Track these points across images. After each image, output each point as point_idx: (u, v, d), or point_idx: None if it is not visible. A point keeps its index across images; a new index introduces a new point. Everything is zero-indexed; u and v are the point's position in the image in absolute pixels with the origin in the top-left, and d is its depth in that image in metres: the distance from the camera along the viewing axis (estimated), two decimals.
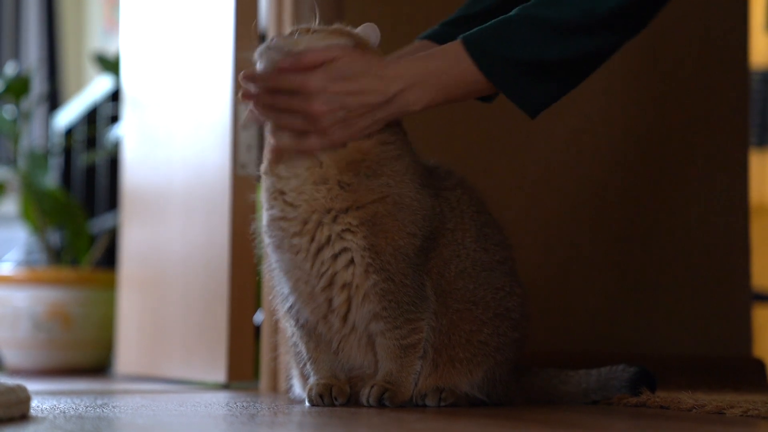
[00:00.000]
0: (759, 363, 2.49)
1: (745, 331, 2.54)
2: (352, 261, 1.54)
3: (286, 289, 1.60)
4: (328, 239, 1.54)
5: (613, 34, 1.56)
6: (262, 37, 2.45)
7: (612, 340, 2.41)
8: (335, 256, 1.54)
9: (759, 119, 4.31)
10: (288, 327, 1.65)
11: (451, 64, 1.55)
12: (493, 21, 1.57)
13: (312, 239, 1.54)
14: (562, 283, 2.38)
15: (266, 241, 1.59)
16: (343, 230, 1.53)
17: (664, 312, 2.46)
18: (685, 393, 1.73)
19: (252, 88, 1.55)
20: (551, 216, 2.39)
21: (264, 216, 1.59)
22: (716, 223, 2.53)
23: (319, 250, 1.54)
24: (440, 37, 1.75)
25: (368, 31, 1.60)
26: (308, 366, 1.63)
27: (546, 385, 1.74)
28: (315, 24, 1.60)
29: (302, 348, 1.63)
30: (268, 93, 1.54)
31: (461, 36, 1.56)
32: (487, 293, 1.62)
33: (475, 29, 1.56)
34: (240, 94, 1.58)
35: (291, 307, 1.61)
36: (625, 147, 2.46)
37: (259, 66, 1.57)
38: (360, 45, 1.57)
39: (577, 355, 2.19)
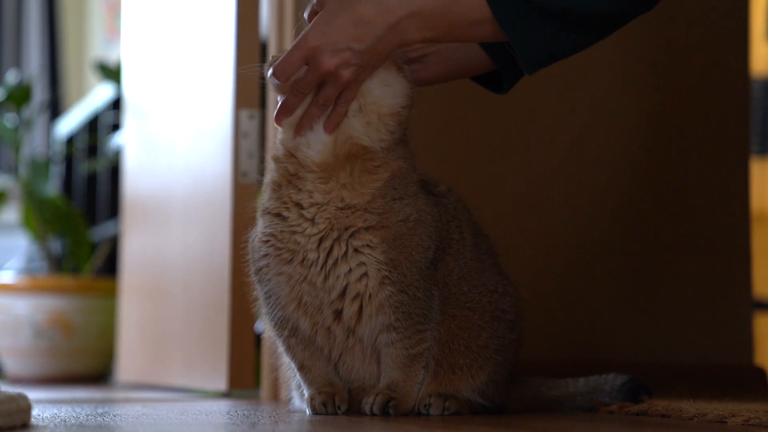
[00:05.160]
0: (760, 371, 2.48)
1: (746, 340, 2.53)
2: (366, 273, 1.53)
3: (281, 300, 1.57)
4: (345, 254, 1.53)
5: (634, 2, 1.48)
6: (263, 45, 2.45)
7: (613, 348, 2.41)
8: (350, 270, 1.53)
9: (760, 127, 4.31)
10: (277, 337, 1.63)
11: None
12: None
13: (329, 254, 1.53)
14: (563, 292, 2.38)
15: (267, 251, 1.56)
16: (362, 245, 1.53)
17: (665, 320, 2.46)
18: (687, 401, 1.73)
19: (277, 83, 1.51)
20: (551, 224, 2.39)
21: (266, 225, 1.57)
22: (717, 231, 2.53)
23: (335, 264, 1.53)
24: None
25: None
26: (300, 375, 1.62)
27: (535, 392, 1.74)
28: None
29: (294, 357, 1.61)
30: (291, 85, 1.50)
31: None
32: (483, 297, 1.63)
33: None
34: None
35: (285, 318, 1.59)
36: (625, 155, 2.46)
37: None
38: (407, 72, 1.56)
39: (577, 363, 2.19)
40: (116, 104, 3.79)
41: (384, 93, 1.54)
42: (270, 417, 1.63)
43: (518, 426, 1.46)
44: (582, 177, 2.42)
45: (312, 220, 1.53)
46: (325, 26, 1.46)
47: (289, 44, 2.16)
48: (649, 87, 2.49)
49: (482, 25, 1.46)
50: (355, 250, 1.52)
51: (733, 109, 2.56)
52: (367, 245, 1.52)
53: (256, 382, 2.35)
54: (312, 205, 1.53)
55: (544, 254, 2.37)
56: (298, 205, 1.54)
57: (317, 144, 1.53)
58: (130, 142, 3.11)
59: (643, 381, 1.73)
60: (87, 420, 1.49)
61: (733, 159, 2.56)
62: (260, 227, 1.58)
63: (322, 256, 1.53)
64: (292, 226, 1.54)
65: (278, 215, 1.55)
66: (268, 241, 1.56)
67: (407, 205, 1.54)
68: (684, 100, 2.53)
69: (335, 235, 1.52)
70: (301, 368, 1.61)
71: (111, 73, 3.70)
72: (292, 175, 1.54)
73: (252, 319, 2.34)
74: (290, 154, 1.55)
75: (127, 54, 3.22)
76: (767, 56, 4.34)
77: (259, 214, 1.59)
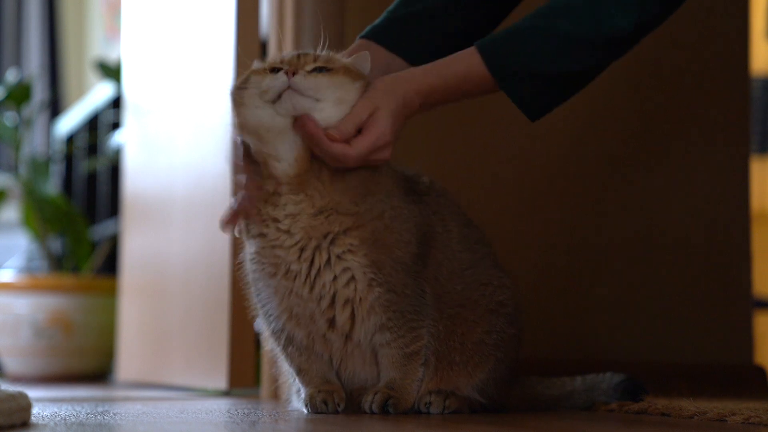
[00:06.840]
0: (760, 370, 2.49)
1: (746, 339, 2.53)
2: (353, 278, 1.53)
3: (275, 312, 1.58)
4: (328, 261, 1.53)
5: (619, 49, 1.60)
6: (263, 45, 2.45)
7: (612, 347, 2.41)
8: (335, 277, 1.53)
9: (759, 126, 4.32)
10: (275, 347, 1.63)
11: (464, 72, 1.56)
12: (506, 30, 1.57)
13: (311, 264, 1.54)
14: (562, 291, 2.38)
15: (254, 268, 1.57)
16: (343, 251, 1.53)
17: (665, 319, 2.46)
18: (687, 400, 1.73)
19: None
20: (551, 222, 2.39)
21: (252, 243, 1.57)
22: (717, 231, 2.53)
23: (318, 273, 1.53)
24: (382, 35, 1.70)
25: (361, 62, 1.57)
26: (299, 378, 1.62)
27: (532, 391, 1.74)
28: (320, 49, 1.56)
29: (292, 363, 1.61)
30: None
31: (476, 43, 1.57)
32: (475, 292, 1.62)
33: (488, 37, 1.57)
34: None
35: (281, 329, 1.59)
36: (625, 154, 2.46)
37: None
38: (365, 82, 1.55)
39: (577, 362, 2.19)
40: (116, 103, 3.80)
41: (344, 95, 1.52)
42: (270, 415, 1.63)
43: (518, 425, 1.46)
44: (582, 176, 2.42)
45: (288, 232, 1.53)
46: (370, 152, 1.51)
47: (289, 44, 2.16)
48: (649, 86, 2.49)
49: (483, 88, 1.58)
50: (338, 257, 1.53)
51: (733, 108, 2.57)
52: (349, 250, 1.52)
53: (256, 380, 2.35)
54: (286, 216, 1.53)
55: (544, 253, 2.37)
56: (275, 220, 1.54)
57: (288, 155, 1.52)
58: (130, 141, 3.11)
59: (639, 380, 1.73)
60: (87, 418, 1.49)
61: (733, 159, 2.56)
62: (248, 250, 1.58)
63: (304, 267, 1.53)
64: (272, 240, 1.54)
65: (260, 235, 1.55)
66: (253, 259, 1.57)
67: (380, 201, 1.54)
68: (684, 99, 2.53)
69: (314, 244, 1.53)
70: (299, 372, 1.61)
71: (111, 71, 3.71)
72: (271, 194, 1.54)
73: (252, 317, 2.34)
74: (268, 175, 1.54)
75: (127, 53, 3.22)
76: (767, 55, 4.34)
77: (245, 238, 1.59)
